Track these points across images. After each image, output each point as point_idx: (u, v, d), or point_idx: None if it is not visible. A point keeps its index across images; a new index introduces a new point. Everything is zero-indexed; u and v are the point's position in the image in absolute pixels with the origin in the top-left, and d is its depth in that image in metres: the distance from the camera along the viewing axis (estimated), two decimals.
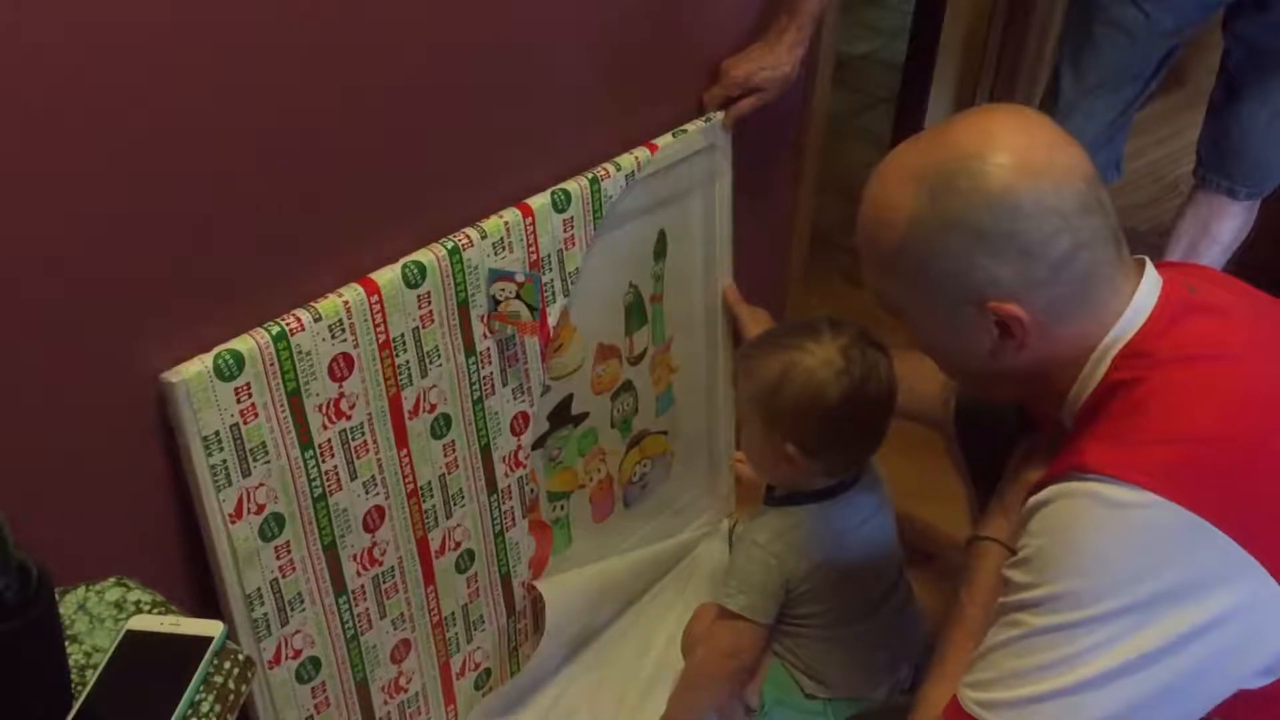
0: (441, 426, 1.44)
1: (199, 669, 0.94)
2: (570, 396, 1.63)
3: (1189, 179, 2.21)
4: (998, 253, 0.99)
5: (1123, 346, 1.03)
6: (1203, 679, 0.96)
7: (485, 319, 1.43)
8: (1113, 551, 0.94)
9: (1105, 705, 0.94)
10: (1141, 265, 1.07)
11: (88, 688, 0.93)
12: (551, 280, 1.50)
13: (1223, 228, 2.16)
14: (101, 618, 1.01)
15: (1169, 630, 0.93)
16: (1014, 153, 0.98)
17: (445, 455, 1.47)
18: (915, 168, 1.02)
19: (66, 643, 0.95)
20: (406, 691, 1.55)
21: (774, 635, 1.49)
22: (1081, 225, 0.99)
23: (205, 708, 0.93)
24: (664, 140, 1.61)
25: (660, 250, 1.70)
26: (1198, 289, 1.07)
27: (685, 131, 1.64)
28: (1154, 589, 0.93)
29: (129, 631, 0.97)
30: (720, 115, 1.68)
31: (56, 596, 0.90)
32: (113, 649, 0.96)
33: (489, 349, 1.46)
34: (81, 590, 1.03)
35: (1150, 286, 1.04)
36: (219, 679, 0.95)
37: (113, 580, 1.04)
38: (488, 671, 1.68)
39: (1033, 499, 1.01)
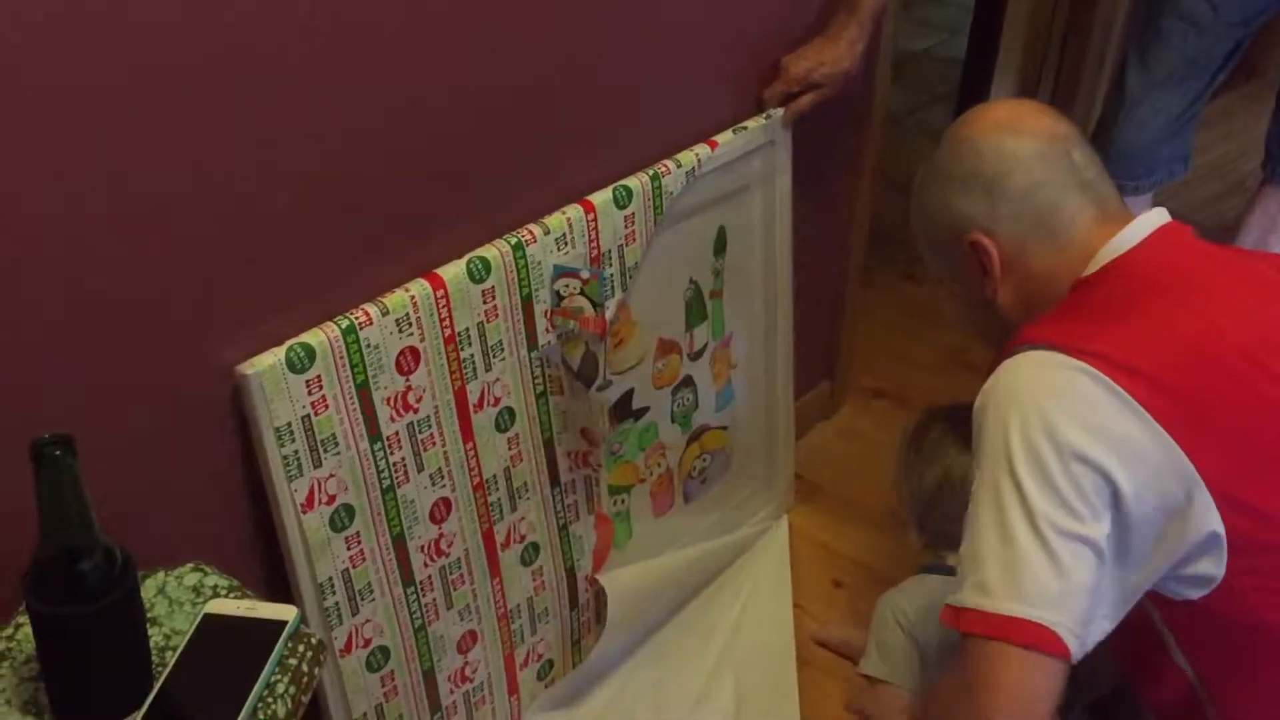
0: (506, 420, 1.47)
1: (274, 651, 0.97)
2: (631, 391, 1.64)
3: (1257, 174, 2.18)
4: (965, 191, 1.20)
5: (1104, 264, 1.15)
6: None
7: (548, 314, 1.46)
8: (1028, 394, 1.06)
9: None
10: (1131, 219, 1.17)
11: (168, 668, 0.96)
12: (611, 275, 1.52)
13: None
14: (180, 601, 1.04)
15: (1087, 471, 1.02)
16: (986, 118, 1.23)
17: (510, 449, 1.49)
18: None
19: (147, 625, 0.99)
20: (472, 681, 1.58)
21: None
22: (1036, 168, 1.16)
23: (280, 689, 0.96)
24: (724, 137, 1.62)
25: (720, 246, 1.71)
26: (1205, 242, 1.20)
27: (745, 128, 1.64)
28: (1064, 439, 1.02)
29: (207, 615, 1.00)
30: (780, 112, 1.69)
31: (139, 580, 0.93)
32: (191, 631, 0.99)
33: (550, 343, 1.48)
34: (161, 575, 1.06)
35: (1145, 223, 1.15)
36: (293, 661, 0.98)
37: (190, 565, 1.08)
38: (550, 662, 1.70)
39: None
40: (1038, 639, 1.01)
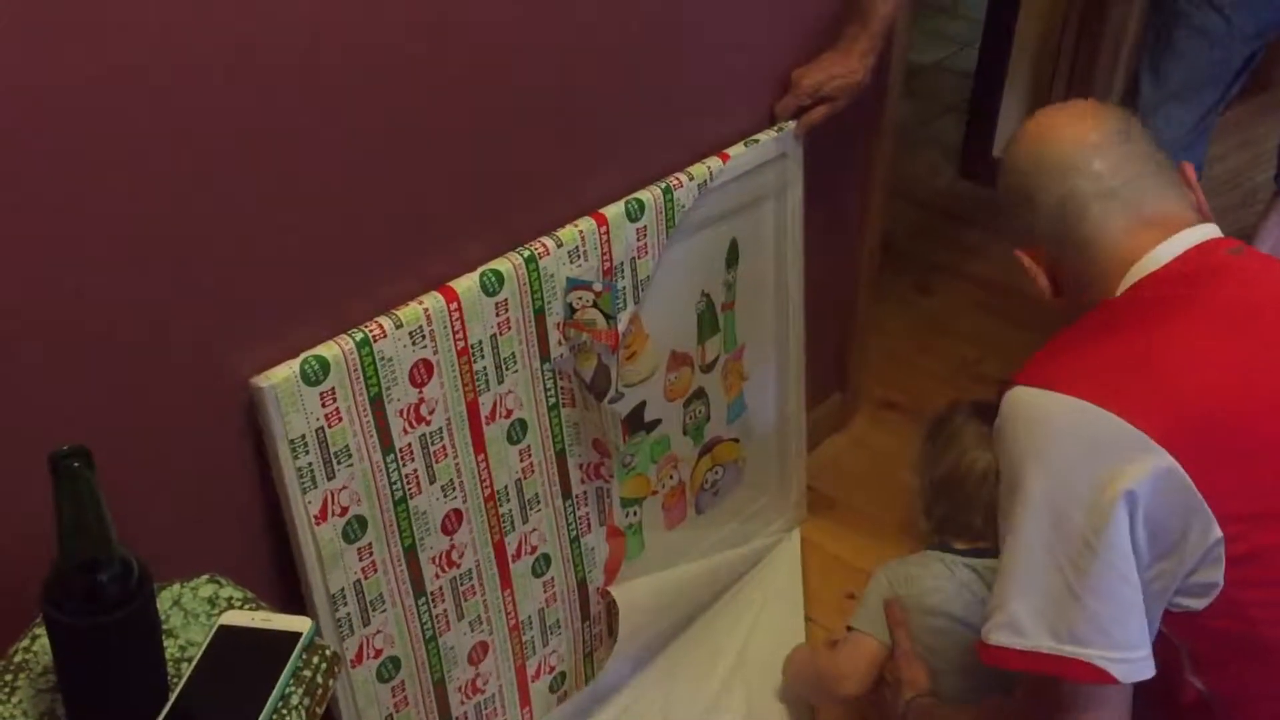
0: (518, 432, 1.47)
1: (289, 663, 0.97)
2: (643, 404, 1.64)
3: (1270, 185, 2.18)
4: (1014, 207, 1.21)
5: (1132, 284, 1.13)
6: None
7: (561, 326, 1.46)
8: (1016, 432, 1.09)
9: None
10: (1178, 226, 1.15)
11: (183, 679, 0.96)
12: (624, 287, 1.52)
13: None
14: (195, 613, 1.05)
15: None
16: (1029, 126, 1.23)
17: (522, 460, 1.49)
18: None
19: (163, 636, 0.99)
20: (484, 693, 1.58)
21: None
22: (1061, 181, 1.16)
23: (295, 700, 0.96)
24: (736, 149, 1.62)
25: (732, 259, 1.71)
26: (1244, 252, 1.17)
27: (757, 141, 1.65)
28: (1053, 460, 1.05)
29: (222, 626, 1.01)
30: (792, 124, 1.69)
31: (155, 591, 0.93)
32: (206, 643, 0.99)
33: (563, 355, 1.48)
34: (176, 587, 1.07)
35: (1185, 239, 1.13)
36: (307, 673, 0.98)
37: (205, 577, 1.08)
38: (562, 675, 1.70)
39: None
40: (1083, 674, 1.03)
